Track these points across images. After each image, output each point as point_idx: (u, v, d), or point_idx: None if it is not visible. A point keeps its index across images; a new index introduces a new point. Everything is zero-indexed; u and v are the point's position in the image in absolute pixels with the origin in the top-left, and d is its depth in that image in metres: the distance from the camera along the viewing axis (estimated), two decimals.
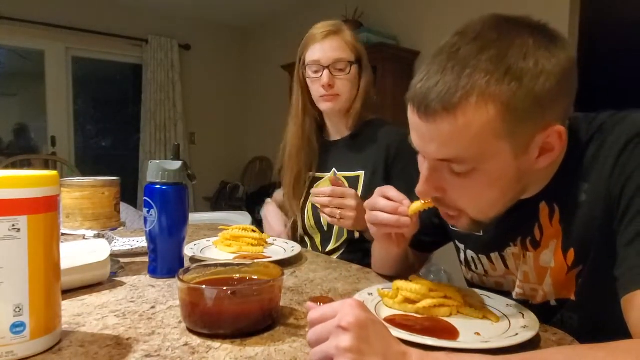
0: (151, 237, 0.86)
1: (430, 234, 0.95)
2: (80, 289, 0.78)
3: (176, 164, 0.86)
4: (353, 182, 1.26)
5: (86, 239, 0.93)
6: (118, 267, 0.91)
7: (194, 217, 2.69)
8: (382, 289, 0.76)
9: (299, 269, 0.98)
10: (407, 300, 0.71)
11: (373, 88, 1.30)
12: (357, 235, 1.23)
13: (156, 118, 4.53)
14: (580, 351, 0.50)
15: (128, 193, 4.22)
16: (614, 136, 0.63)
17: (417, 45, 3.19)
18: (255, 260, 0.80)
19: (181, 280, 0.62)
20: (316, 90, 1.24)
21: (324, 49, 1.21)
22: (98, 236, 0.93)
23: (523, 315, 0.66)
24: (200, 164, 4.67)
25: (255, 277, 0.71)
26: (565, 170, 0.68)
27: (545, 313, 0.72)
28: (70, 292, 0.76)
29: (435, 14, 3.08)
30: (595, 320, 0.69)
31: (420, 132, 0.61)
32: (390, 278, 0.90)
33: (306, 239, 1.36)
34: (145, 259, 0.91)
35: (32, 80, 4.16)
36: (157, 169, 0.85)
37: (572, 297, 0.70)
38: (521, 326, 0.62)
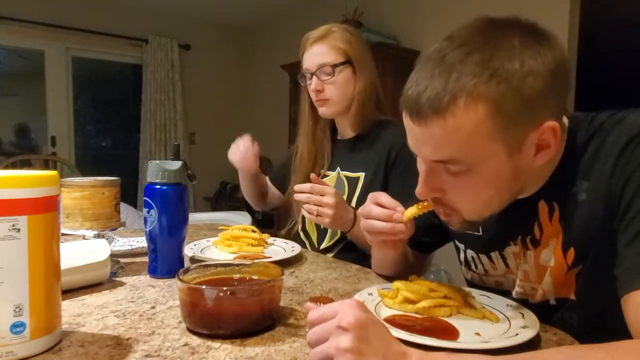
0: (151, 237, 0.86)
1: (430, 234, 0.96)
2: (80, 289, 0.78)
3: (176, 164, 0.86)
4: (353, 183, 1.26)
5: (86, 239, 0.93)
6: (118, 267, 0.90)
7: (194, 217, 2.70)
8: (382, 289, 0.76)
9: (299, 269, 0.98)
10: (407, 301, 0.71)
11: (375, 87, 1.29)
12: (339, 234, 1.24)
13: (156, 118, 4.53)
14: (581, 351, 0.50)
15: (128, 193, 4.21)
16: (614, 136, 0.63)
17: (417, 45, 3.19)
18: (255, 261, 0.80)
19: (181, 281, 0.62)
20: (312, 96, 1.28)
21: (311, 55, 1.25)
22: (98, 236, 0.93)
23: (523, 315, 0.66)
24: (200, 164, 4.66)
25: (255, 277, 0.71)
26: (564, 169, 0.68)
27: (545, 312, 0.72)
28: (70, 292, 0.76)
29: (435, 13, 3.08)
30: (595, 319, 0.69)
31: (415, 135, 0.63)
32: (390, 278, 0.90)
33: (303, 236, 1.36)
34: (145, 259, 0.91)
35: (32, 80, 4.16)
36: (157, 169, 0.85)
37: (572, 297, 0.70)
38: (521, 326, 0.62)
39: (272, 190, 1.55)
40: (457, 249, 0.89)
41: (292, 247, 1.12)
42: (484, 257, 0.82)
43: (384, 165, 1.23)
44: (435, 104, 0.57)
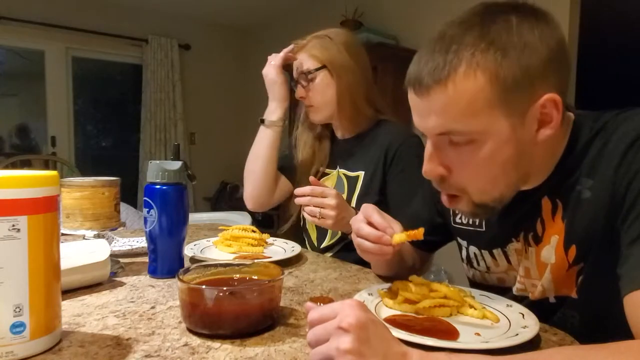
0: (151, 237, 0.86)
1: (433, 233, 0.96)
2: (80, 289, 0.78)
3: (176, 164, 0.86)
4: (352, 182, 1.27)
5: (86, 239, 0.93)
6: (118, 267, 0.91)
7: (194, 217, 2.70)
8: (382, 289, 0.76)
9: (299, 269, 0.98)
10: (407, 301, 0.71)
11: (363, 88, 1.28)
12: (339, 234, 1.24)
13: (156, 118, 4.53)
14: (581, 351, 0.50)
15: (128, 193, 4.21)
16: (619, 134, 0.63)
17: (417, 45, 3.16)
18: (255, 261, 0.79)
19: (181, 281, 0.62)
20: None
21: (296, 63, 1.29)
22: (98, 236, 0.93)
23: (523, 315, 0.66)
24: (200, 164, 4.67)
25: (255, 277, 0.71)
26: (568, 166, 0.68)
27: (545, 310, 0.72)
28: (70, 292, 0.76)
29: (435, 13, 3.07)
30: (597, 319, 0.69)
31: (419, 109, 0.65)
32: (390, 278, 0.90)
33: (304, 235, 1.36)
34: (145, 259, 0.91)
35: (32, 80, 4.16)
36: (157, 169, 0.85)
37: (574, 295, 0.70)
38: (521, 326, 0.62)
39: (282, 180, 1.45)
40: (459, 247, 0.90)
41: (292, 247, 1.12)
42: (486, 254, 0.82)
43: (382, 164, 1.23)
44: (437, 74, 0.60)
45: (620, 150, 0.62)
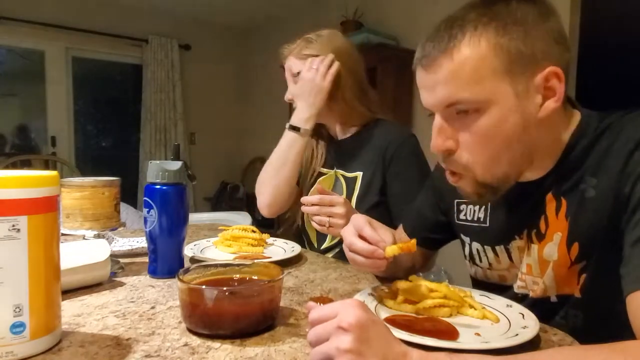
0: (151, 238, 0.86)
1: (437, 231, 0.97)
2: (80, 289, 0.78)
3: (176, 164, 0.86)
4: (351, 183, 1.27)
5: (86, 239, 0.93)
6: (118, 267, 0.91)
7: (194, 217, 2.70)
8: (382, 289, 0.76)
9: (298, 269, 0.98)
10: (407, 301, 0.71)
11: (357, 87, 1.29)
12: None
13: (156, 118, 4.53)
14: (582, 352, 0.50)
15: (128, 193, 4.21)
16: (625, 135, 0.64)
17: (417, 45, 3.19)
18: (255, 261, 0.80)
19: (181, 281, 0.62)
20: None
21: (284, 70, 1.32)
22: (98, 236, 0.93)
23: (523, 315, 0.66)
24: (200, 164, 4.67)
25: (255, 278, 0.70)
26: (571, 162, 0.69)
27: (546, 310, 0.72)
28: (70, 292, 0.76)
29: (435, 14, 3.07)
30: (601, 318, 0.69)
31: (426, 84, 0.67)
32: (390, 278, 0.90)
33: (303, 236, 1.36)
34: (145, 259, 0.91)
35: (32, 80, 4.16)
36: (157, 169, 0.85)
37: (577, 294, 0.70)
38: (521, 327, 0.62)
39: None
40: (462, 244, 0.90)
41: (292, 247, 1.12)
42: (489, 250, 0.82)
43: (380, 164, 1.23)
44: (442, 46, 0.63)
45: (625, 151, 0.63)
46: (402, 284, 0.72)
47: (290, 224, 1.40)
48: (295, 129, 1.24)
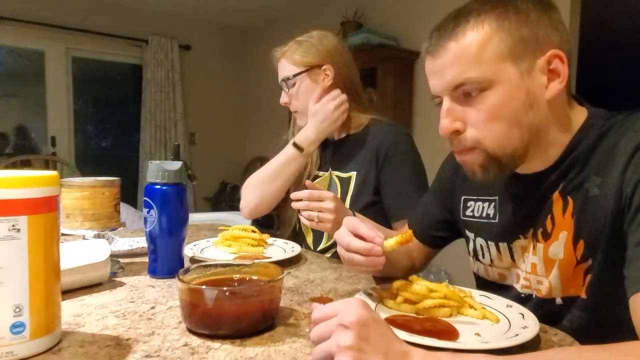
0: (151, 238, 0.86)
1: (442, 228, 0.97)
2: (80, 289, 0.78)
3: (176, 164, 0.86)
4: (345, 183, 1.27)
5: (86, 239, 0.93)
6: (118, 267, 0.90)
7: (194, 217, 2.69)
8: (382, 289, 0.76)
9: (298, 269, 0.98)
10: (407, 301, 0.70)
11: (350, 88, 1.30)
12: None
13: (156, 118, 4.53)
14: (583, 352, 0.50)
15: (128, 193, 4.21)
16: (629, 135, 0.64)
17: (417, 45, 3.19)
18: (255, 261, 0.79)
19: (181, 281, 0.62)
20: None
21: (277, 73, 1.32)
22: (98, 236, 0.93)
23: (523, 315, 0.66)
24: (200, 164, 4.67)
25: (255, 278, 0.70)
26: (577, 158, 0.70)
27: (552, 314, 0.72)
28: (70, 292, 0.76)
29: (435, 14, 3.06)
30: (605, 320, 0.69)
31: (435, 70, 0.70)
32: (390, 278, 0.90)
33: (300, 238, 1.36)
34: (145, 259, 0.91)
35: (32, 80, 4.16)
36: (157, 170, 0.85)
37: (582, 295, 0.71)
38: (521, 327, 0.62)
39: None
40: (467, 240, 0.91)
41: (292, 247, 1.12)
42: (492, 246, 0.83)
43: (374, 163, 1.24)
44: (449, 31, 0.68)
45: (628, 151, 0.63)
46: (401, 284, 0.72)
47: (287, 227, 1.40)
48: (299, 147, 1.26)
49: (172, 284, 0.83)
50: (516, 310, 0.69)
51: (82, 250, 0.82)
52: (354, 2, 3.52)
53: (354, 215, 1.05)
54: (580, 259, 0.69)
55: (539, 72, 0.67)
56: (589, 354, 0.48)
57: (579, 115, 0.72)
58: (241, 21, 4.83)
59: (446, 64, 0.68)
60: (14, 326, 0.51)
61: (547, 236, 0.73)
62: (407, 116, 3.24)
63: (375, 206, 1.23)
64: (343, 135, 1.33)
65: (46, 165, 3.48)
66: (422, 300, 0.69)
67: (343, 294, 0.82)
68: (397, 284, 0.73)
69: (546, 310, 0.72)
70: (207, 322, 0.60)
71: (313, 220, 1.02)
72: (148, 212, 0.85)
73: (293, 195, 1.03)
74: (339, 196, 1.26)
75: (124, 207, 2.39)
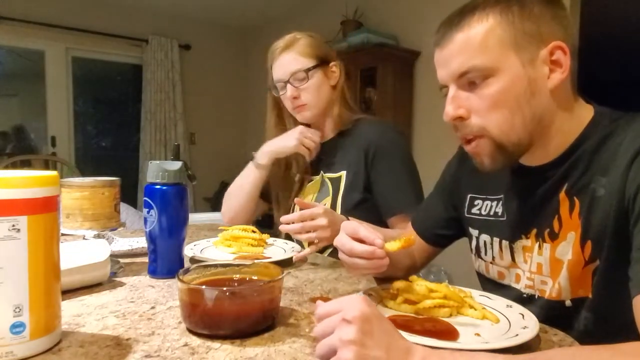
0: (151, 238, 0.86)
1: (447, 226, 0.98)
2: (80, 289, 0.78)
3: (176, 164, 0.86)
4: (336, 183, 1.28)
5: (86, 239, 0.93)
6: (118, 267, 0.90)
7: (194, 217, 2.69)
8: (382, 289, 0.76)
9: (299, 269, 0.98)
10: (407, 301, 0.70)
11: (345, 85, 1.32)
12: None
13: (156, 118, 4.52)
14: (585, 352, 0.50)
15: (128, 193, 4.21)
16: (632, 136, 0.65)
17: (417, 45, 3.19)
18: (255, 261, 0.79)
19: (181, 281, 0.62)
20: (287, 105, 1.31)
21: (281, 65, 1.27)
22: (98, 236, 0.93)
23: (523, 316, 0.66)
24: (200, 164, 4.66)
25: (255, 278, 0.70)
26: (582, 156, 0.70)
27: (561, 316, 0.72)
28: (70, 292, 0.76)
29: (435, 14, 3.07)
30: (612, 320, 0.69)
31: (442, 59, 0.73)
32: (390, 279, 0.90)
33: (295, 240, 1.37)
34: (145, 259, 0.91)
35: (32, 80, 4.16)
36: (157, 170, 0.85)
37: (589, 295, 0.71)
38: (521, 327, 0.62)
39: (259, 202, 1.46)
40: (470, 238, 0.91)
41: (292, 247, 1.12)
42: (496, 243, 0.83)
43: (363, 163, 1.24)
44: (455, 24, 0.71)
45: (630, 153, 0.63)
46: (401, 285, 0.72)
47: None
48: (253, 160, 1.34)
49: (172, 284, 0.83)
50: (516, 310, 0.69)
51: (82, 250, 0.82)
52: (354, 2, 3.52)
53: (347, 218, 1.05)
54: (588, 260, 0.69)
55: (542, 63, 0.69)
56: (592, 353, 0.48)
57: (585, 112, 0.73)
58: (241, 21, 4.83)
59: (452, 53, 0.71)
60: (13, 326, 0.51)
61: (554, 236, 0.73)
62: (407, 116, 3.24)
63: (366, 204, 1.24)
64: (332, 134, 1.34)
65: (46, 165, 3.48)
66: (422, 300, 0.69)
67: (343, 294, 0.82)
68: (397, 284, 0.73)
69: (555, 313, 0.72)
70: (207, 322, 0.60)
71: (314, 243, 1.00)
72: (148, 212, 0.85)
73: (282, 219, 0.99)
74: (330, 197, 1.27)
75: (124, 207, 2.39)
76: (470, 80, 0.70)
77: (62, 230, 0.80)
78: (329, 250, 1.26)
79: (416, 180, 1.26)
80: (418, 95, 3.24)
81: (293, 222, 0.96)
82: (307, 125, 1.35)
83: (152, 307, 0.71)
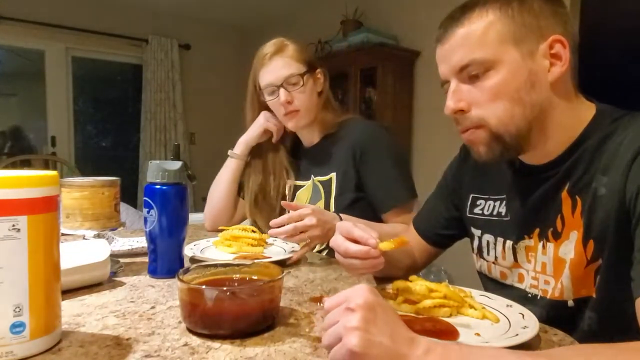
0: (151, 237, 0.86)
1: (449, 227, 0.98)
2: (80, 289, 0.78)
3: (176, 164, 0.86)
4: (327, 185, 1.29)
5: (86, 239, 0.93)
6: (118, 267, 0.90)
7: (194, 217, 2.69)
8: (382, 289, 0.76)
9: (298, 269, 0.98)
10: (407, 301, 0.71)
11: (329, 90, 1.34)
12: None
13: (156, 118, 4.52)
14: (589, 350, 0.50)
15: (128, 193, 4.21)
16: (633, 134, 0.65)
17: (417, 45, 3.19)
18: (256, 261, 0.79)
19: (181, 281, 0.62)
20: (277, 110, 1.29)
21: (273, 70, 1.25)
22: (98, 236, 0.93)
23: (523, 315, 0.66)
24: (200, 164, 4.66)
25: (255, 278, 0.70)
26: (584, 154, 0.70)
27: (564, 316, 0.72)
28: (70, 292, 0.76)
29: (435, 14, 3.07)
30: (614, 320, 0.69)
31: (444, 54, 0.75)
32: (390, 278, 0.90)
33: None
34: (145, 259, 0.91)
35: (32, 80, 4.16)
36: (157, 169, 0.85)
37: (593, 295, 0.71)
38: (521, 327, 0.62)
39: (240, 203, 1.46)
40: (472, 238, 0.91)
41: (292, 247, 1.12)
42: (499, 243, 0.83)
43: (351, 162, 1.24)
44: (455, 19, 0.73)
45: (630, 152, 0.63)
46: (401, 284, 0.72)
47: None
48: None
49: (172, 284, 0.83)
50: (516, 310, 0.69)
51: (82, 250, 0.82)
52: (353, 1, 3.52)
53: (338, 215, 1.05)
54: (590, 259, 0.69)
55: (541, 56, 0.70)
56: (595, 350, 0.48)
57: (587, 110, 0.73)
58: (241, 21, 4.83)
59: (453, 48, 0.72)
60: (13, 326, 0.51)
61: (557, 236, 0.73)
62: (407, 116, 3.24)
63: (360, 202, 1.24)
64: (319, 138, 1.34)
65: (46, 165, 3.48)
66: (422, 300, 0.69)
67: None
68: (397, 284, 0.73)
69: (558, 313, 0.73)
70: (207, 322, 0.60)
71: (308, 244, 1.01)
72: (148, 212, 0.85)
73: (272, 222, 0.99)
74: (323, 200, 1.27)
75: (124, 207, 2.39)
76: (470, 74, 0.71)
77: (62, 230, 0.80)
78: (326, 251, 1.27)
79: (405, 172, 1.26)
80: (418, 95, 3.24)
81: (283, 225, 0.97)
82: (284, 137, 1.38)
83: (152, 307, 0.71)
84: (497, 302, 0.73)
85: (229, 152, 1.43)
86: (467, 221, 0.92)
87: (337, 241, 0.76)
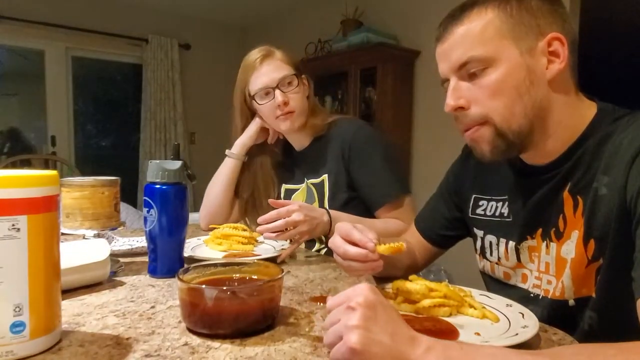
0: (151, 237, 0.86)
1: (450, 227, 0.98)
2: (80, 288, 0.78)
3: (176, 164, 0.86)
4: (320, 187, 1.29)
5: (86, 238, 0.93)
6: (118, 266, 0.91)
7: (194, 217, 2.69)
8: (382, 289, 0.76)
9: (299, 269, 0.98)
10: (407, 300, 0.71)
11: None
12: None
13: (156, 118, 4.52)
14: (590, 349, 0.49)
15: (128, 193, 4.21)
16: (634, 134, 0.65)
17: (417, 45, 3.19)
18: (256, 260, 0.80)
19: (181, 280, 0.62)
20: (271, 113, 1.27)
21: (265, 73, 1.26)
22: (98, 236, 0.93)
23: (523, 315, 0.66)
24: (200, 164, 4.66)
25: (255, 277, 0.71)
26: (585, 154, 0.71)
27: (565, 316, 0.72)
28: (70, 292, 0.76)
29: (435, 13, 3.07)
30: (615, 320, 0.69)
31: (443, 53, 0.75)
32: (390, 278, 0.90)
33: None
34: (145, 259, 0.91)
35: (32, 80, 4.16)
36: (157, 169, 0.85)
37: (593, 294, 0.71)
38: (521, 326, 0.62)
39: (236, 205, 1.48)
40: (474, 238, 0.91)
41: (282, 244, 1.12)
42: (502, 244, 0.83)
43: (342, 162, 1.25)
44: (456, 17, 0.73)
45: (631, 152, 0.63)
46: (401, 284, 0.72)
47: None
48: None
49: (172, 284, 0.83)
50: (516, 309, 0.69)
51: (82, 249, 0.82)
52: (354, 1, 3.52)
53: (327, 211, 1.06)
54: (591, 259, 0.69)
55: (540, 54, 0.70)
56: (596, 350, 0.48)
57: (588, 109, 0.73)
58: (241, 20, 4.83)
59: (452, 46, 0.73)
60: (13, 325, 0.51)
61: (559, 235, 0.74)
62: (407, 116, 3.24)
63: (354, 201, 1.25)
64: (309, 142, 1.34)
65: (46, 165, 3.48)
66: (422, 299, 0.69)
67: None
68: (397, 283, 0.73)
69: (559, 312, 0.73)
70: (207, 322, 0.60)
71: (296, 241, 1.02)
72: (148, 211, 0.85)
73: (261, 219, 1.00)
74: (317, 202, 1.28)
75: (124, 207, 2.39)
76: (470, 72, 0.71)
77: (62, 229, 0.80)
78: (324, 250, 1.27)
79: (395, 167, 1.26)
80: (418, 95, 3.24)
81: (272, 221, 0.98)
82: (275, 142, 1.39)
83: (152, 307, 0.71)
84: (497, 302, 0.73)
85: (227, 151, 1.43)
86: (469, 222, 0.92)
87: (336, 243, 0.76)
